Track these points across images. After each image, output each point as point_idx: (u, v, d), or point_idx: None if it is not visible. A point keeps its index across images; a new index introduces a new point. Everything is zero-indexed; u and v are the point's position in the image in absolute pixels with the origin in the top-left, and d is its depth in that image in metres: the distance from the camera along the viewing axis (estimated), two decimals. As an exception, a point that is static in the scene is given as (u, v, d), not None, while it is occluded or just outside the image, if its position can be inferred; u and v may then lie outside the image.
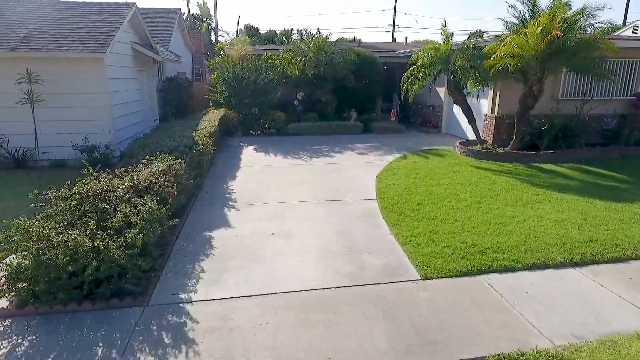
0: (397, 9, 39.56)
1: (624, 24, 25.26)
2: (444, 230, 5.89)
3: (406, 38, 20.93)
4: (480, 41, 10.73)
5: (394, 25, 39.29)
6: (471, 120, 11.00)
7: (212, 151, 9.07)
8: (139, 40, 12.18)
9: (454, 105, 13.09)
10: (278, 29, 38.16)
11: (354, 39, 19.63)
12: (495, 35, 10.31)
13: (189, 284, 4.47)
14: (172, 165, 6.28)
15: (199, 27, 29.62)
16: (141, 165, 6.32)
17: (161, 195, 5.39)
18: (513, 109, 11.31)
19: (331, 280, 4.58)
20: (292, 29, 28.60)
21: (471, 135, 13.13)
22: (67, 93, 9.50)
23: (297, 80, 14.88)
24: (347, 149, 11.87)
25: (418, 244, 5.44)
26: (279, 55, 14.91)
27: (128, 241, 4.15)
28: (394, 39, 37.10)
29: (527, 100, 9.88)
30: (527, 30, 8.93)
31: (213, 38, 30.19)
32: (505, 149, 10.73)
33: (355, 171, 9.29)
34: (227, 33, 38.82)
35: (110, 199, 4.82)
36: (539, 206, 6.94)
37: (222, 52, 15.59)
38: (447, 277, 4.68)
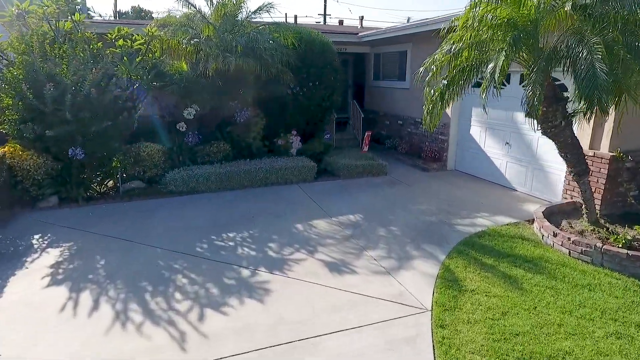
0: (327, -3, 33.36)
1: None
2: None
3: (362, 17, 14.51)
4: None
5: (325, 15, 33.05)
6: (583, 171, 4.77)
7: None
8: None
9: (492, 128, 6.54)
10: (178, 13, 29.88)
11: (287, 19, 12.72)
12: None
13: None
14: None
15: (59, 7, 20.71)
16: None
17: None
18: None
19: None
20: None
21: (518, 182, 6.94)
22: None
23: (185, 83, 7.66)
24: (297, 244, 5.00)
25: None
26: (147, 35, 7.53)
27: None
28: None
29: None
30: None
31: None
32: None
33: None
34: (101, 16, 29.94)
35: None
36: None
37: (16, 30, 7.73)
38: None
